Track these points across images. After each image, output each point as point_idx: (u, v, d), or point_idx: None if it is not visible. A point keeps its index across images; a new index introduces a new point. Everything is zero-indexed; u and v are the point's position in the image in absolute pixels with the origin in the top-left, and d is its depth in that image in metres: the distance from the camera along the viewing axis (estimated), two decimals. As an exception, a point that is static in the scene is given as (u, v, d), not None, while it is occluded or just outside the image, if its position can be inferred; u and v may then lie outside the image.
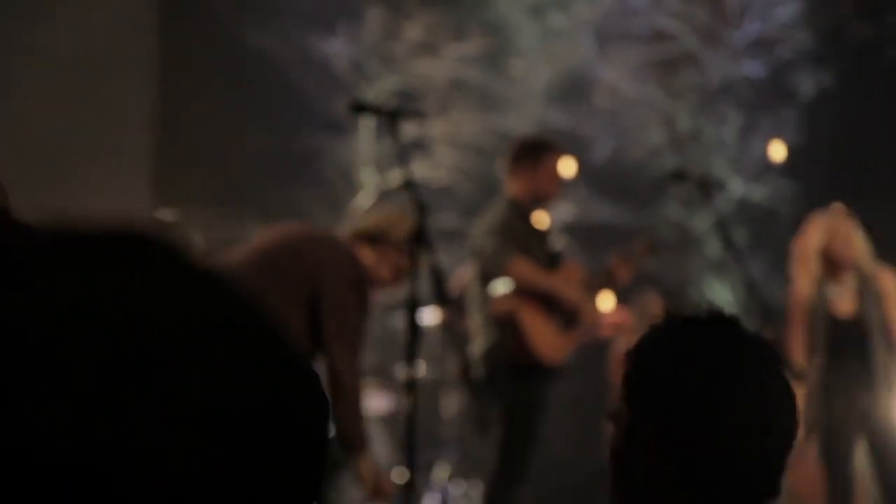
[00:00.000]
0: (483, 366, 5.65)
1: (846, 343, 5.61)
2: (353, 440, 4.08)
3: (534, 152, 5.83)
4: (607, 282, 5.98)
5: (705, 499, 1.68)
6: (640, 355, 1.74)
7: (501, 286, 5.62)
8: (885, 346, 5.69)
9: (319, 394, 0.88)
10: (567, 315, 5.71)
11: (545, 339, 5.61)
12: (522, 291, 5.61)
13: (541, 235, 5.82)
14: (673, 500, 1.68)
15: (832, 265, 5.69)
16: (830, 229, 5.75)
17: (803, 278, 5.76)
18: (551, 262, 5.81)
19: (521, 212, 5.78)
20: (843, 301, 5.70)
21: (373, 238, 4.32)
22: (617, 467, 1.74)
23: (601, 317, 5.98)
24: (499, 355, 5.61)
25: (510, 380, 5.59)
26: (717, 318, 1.73)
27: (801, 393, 5.63)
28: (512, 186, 5.84)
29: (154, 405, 0.80)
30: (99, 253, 0.85)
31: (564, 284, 5.69)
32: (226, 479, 0.81)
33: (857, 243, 5.72)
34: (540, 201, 5.84)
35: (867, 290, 5.73)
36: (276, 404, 0.85)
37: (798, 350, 5.72)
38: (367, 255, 4.33)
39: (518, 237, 5.67)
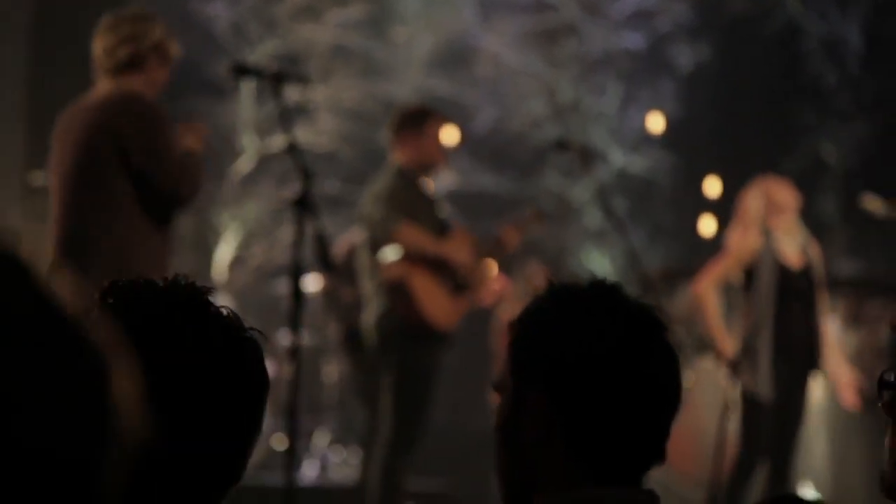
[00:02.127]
0: (375, 333, 5.64)
1: (796, 291, 5.89)
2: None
3: (417, 120, 5.82)
4: (495, 249, 6.01)
5: (593, 466, 1.69)
6: (524, 325, 1.73)
7: (391, 253, 5.61)
8: (824, 295, 6.08)
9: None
10: (457, 280, 5.73)
11: (437, 303, 5.62)
12: (412, 257, 5.62)
13: (429, 202, 5.83)
14: (561, 469, 1.69)
15: (776, 211, 5.97)
16: (768, 183, 6.08)
17: (748, 233, 5.98)
18: (440, 228, 5.82)
19: (408, 179, 5.77)
20: (791, 251, 5.97)
21: (132, 64, 4.27)
22: (504, 438, 1.73)
23: (490, 281, 6.02)
24: (391, 322, 5.60)
25: (403, 346, 5.59)
26: (599, 287, 1.73)
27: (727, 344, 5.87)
28: (398, 155, 5.83)
29: None
30: None
31: (454, 249, 5.72)
32: None
33: (792, 190, 6.06)
34: (426, 169, 5.84)
35: (810, 245, 6.09)
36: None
37: (710, 294, 5.92)
38: (135, 84, 4.27)
39: (406, 204, 5.67)
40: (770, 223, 6.01)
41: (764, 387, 5.82)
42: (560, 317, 1.71)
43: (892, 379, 1.58)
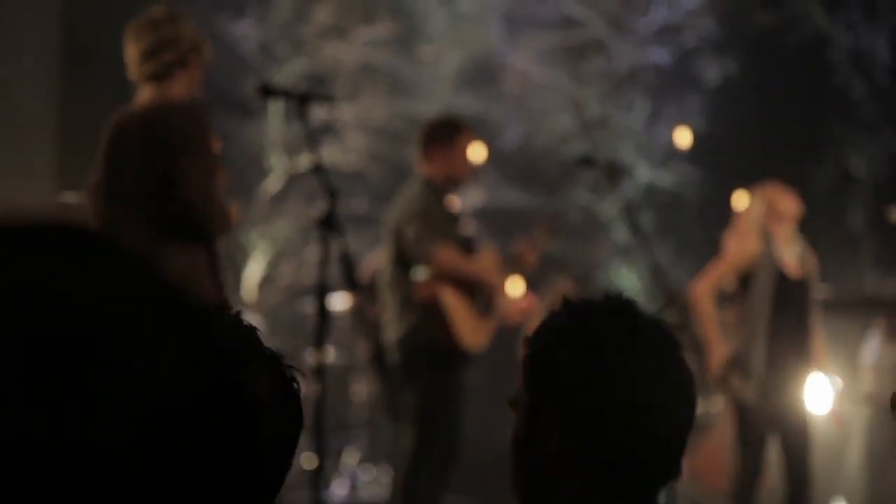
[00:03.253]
0: (399, 351, 5.60)
1: (792, 299, 5.87)
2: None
3: (447, 133, 5.73)
4: (514, 267, 5.98)
5: (608, 481, 1.69)
6: (539, 340, 1.74)
7: (422, 271, 5.58)
8: (818, 306, 6.06)
9: (245, 397, 0.93)
10: (486, 300, 5.70)
11: (467, 324, 5.57)
12: (444, 276, 5.61)
13: (454, 219, 5.77)
14: (576, 483, 1.70)
15: (776, 219, 5.96)
16: (771, 190, 6.05)
17: (748, 238, 5.97)
18: (465, 245, 5.77)
19: (436, 194, 5.70)
20: (790, 260, 5.96)
21: (176, 67, 4.22)
22: (519, 453, 1.74)
23: (518, 298, 5.99)
24: (418, 340, 5.56)
25: (429, 365, 5.55)
26: (614, 302, 1.74)
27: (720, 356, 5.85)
28: (426, 169, 5.74)
29: (94, 403, 0.83)
30: (32, 245, 0.87)
31: (486, 270, 5.67)
32: (161, 473, 0.87)
33: (794, 199, 6.03)
34: (455, 183, 5.75)
35: (808, 257, 6.07)
36: (205, 406, 0.92)
37: (706, 299, 5.90)
38: (178, 87, 4.22)
39: (437, 221, 5.64)
40: (770, 230, 5.99)
41: (756, 393, 5.80)
42: (574, 332, 1.72)
43: None
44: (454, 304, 5.56)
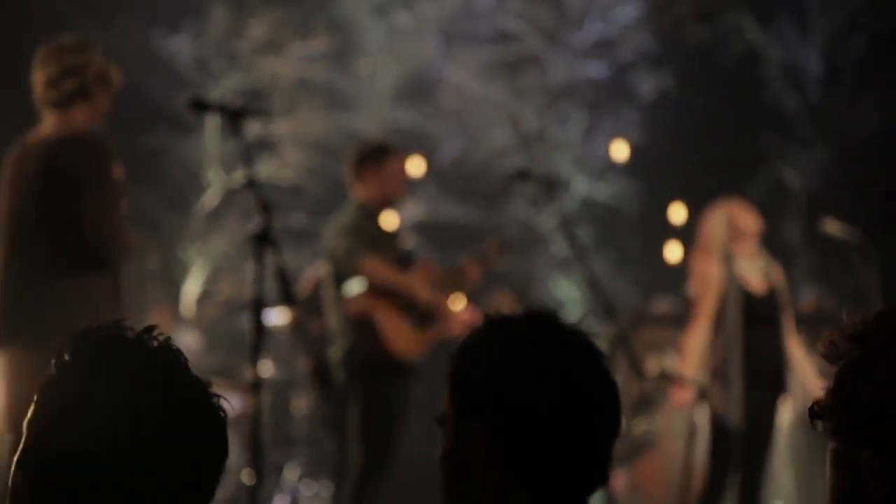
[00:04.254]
0: (342, 368, 5.67)
1: (760, 315, 5.90)
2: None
3: (377, 155, 5.88)
4: (458, 282, 6.06)
5: (535, 491, 1.71)
6: (460, 357, 1.76)
7: (355, 286, 5.64)
8: (791, 317, 6.09)
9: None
10: (421, 312, 5.77)
11: (401, 337, 5.66)
12: (376, 291, 5.65)
13: (390, 236, 5.89)
14: (503, 495, 1.71)
15: (738, 237, 5.99)
16: (731, 207, 6.08)
17: (711, 260, 6.00)
18: (403, 261, 5.87)
19: (369, 214, 5.84)
20: (754, 276, 5.98)
21: (78, 96, 4.22)
22: (447, 468, 1.76)
23: (454, 314, 6.04)
24: (356, 357, 5.64)
25: (370, 380, 5.63)
26: (534, 316, 1.77)
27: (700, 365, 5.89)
28: (358, 190, 5.89)
29: None
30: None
31: (417, 283, 5.76)
32: None
33: (754, 215, 6.07)
34: (387, 202, 5.91)
35: (772, 269, 6.11)
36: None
37: (703, 332, 5.92)
38: (80, 116, 4.23)
39: (368, 239, 5.72)
40: (732, 248, 6.03)
41: (734, 412, 5.84)
42: (492, 347, 1.74)
43: (820, 409, 1.61)
44: (387, 317, 5.64)
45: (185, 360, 1.60)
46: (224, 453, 1.60)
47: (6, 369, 4.19)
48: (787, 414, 6.78)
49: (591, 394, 1.73)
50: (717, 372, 5.87)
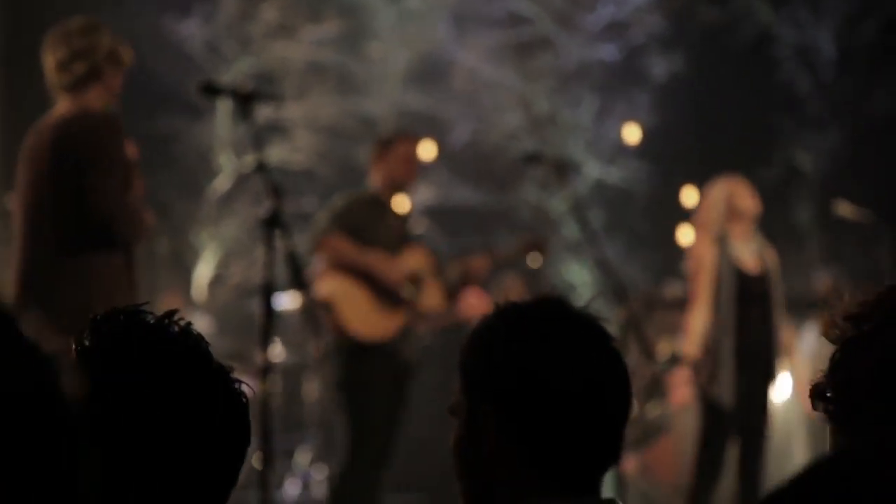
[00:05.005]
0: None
1: (754, 295, 5.89)
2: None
3: (386, 142, 6.00)
4: (461, 271, 6.06)
5: (548, 476, 1.73)
6: (471, 343, 1.79)
7: (314, 262, 5.74)
8: (781, 300, 6.08)
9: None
10: (396, 295, 5.77)
11: (362, 317, 5.66)
12: (338, 270, 5.67)
13: (394, 220, 5.88)
14: (517, 481, 1.73)
15: (735, 217, 5.98)
16: (731, 186, 6.05)
17: (706, 240, 6.00)
18: (401, 244, 5.89)
19: (377, 201, 5.88)
20: (748, 257, 5.97)
21: (89, 77, 4.25)
22: (461, 456, 1.78)
23: (434, 302, 6.03)
24: (331, 338, 5.69)
25: (343, 362, 5.67)
26: (544, 301, 1.79)
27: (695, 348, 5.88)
28: (372, 176, 6.00)
29: None
30: None
31: (382, 262, 5.74)
32: None
33: (753, 197, 6.05)
34: (397, 187, 5.96)
35: (766, 252, 6.10)
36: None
37: (703, 312, 5.91)
38: (92, 97, 4.25)
39: (360, 222, 5.73)
40: (728, 228, 6.02)
41: (725, 392, 5.84)
42: (502, 331, 1.77)
43: (819, 390, 1.61)
44: (348, 297, 5.64)
45: (207, 344, 1.59)
46: (247, 438, 1.59)
47: None
48: (779, 394, 6.76)
49: (600, 375, 1.75)
50: (710, 351, 5.88)
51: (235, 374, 1.60)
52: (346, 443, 5.66)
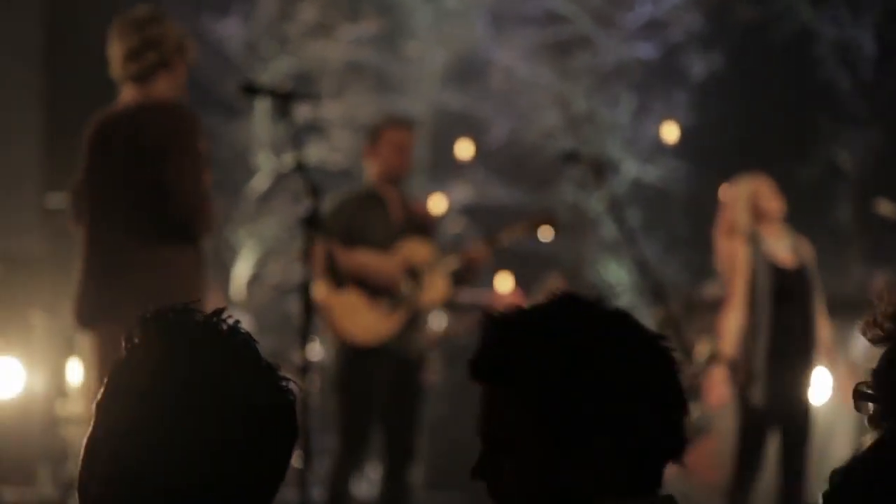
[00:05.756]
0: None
1: (791, 290, 5.85)
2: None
3: (374, 132, 5.83)
4: (457, 264, 5.90)
5: (604, 480, 1.66)
6: (488, 332, 1.70)
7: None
8: (820, 294, 6.01)
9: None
10: (393, 294, 5.66)
11: (358, 319, 5.60)
12: (339, 277, 5.61)
13: (387, 215, 5.71)
14: (543, 459, 1.65)
15: (761, 217, 5.93)
16: (753, 187, 5.99)
17: (736, 240, 5.94)
18: (392, 236, 5.71)
19: (370, 195, 5.75)
20: (782, 253, 5.93)
21: (160, 67, 4.19)
22: (486, 445, 1.69)
23: (440, 294, 5.89)
24: (328, 342, 5.69)
25: (339, 366, 5.65)
26: (560, 295, 1.72)
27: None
28: (368, 171, 5.87)
29: None
30: None
31: (377, 261, 5.64)
32: None
33: (778, 198, 6.00)
34: (390, 177, 5.76)
35: (801, 246, 6.04)
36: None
37: (737, 311, 5.87)
38: (161, 88, 4.20)
39: (349, 221, 5.62)
40: (757, 227, 5.97)
41: (762, 390, 5.80)
42: (519, 321, 1.70)
43: (869, 391, 1.58)
44: (343, 301, 5.58)
45: (255, 342, 1.59)
46: (295, 436, 1.59)
47: (94, 347, 4.11)
48: (819, 391, 6.70)
49: (648, 368, 1.68)
50: (747, 349, 5.83)
51: (282, 373, 1.60)
52: (338, 446, 5.67)
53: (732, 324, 5.90)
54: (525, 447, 1.66)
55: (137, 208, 4.09)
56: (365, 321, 5.59)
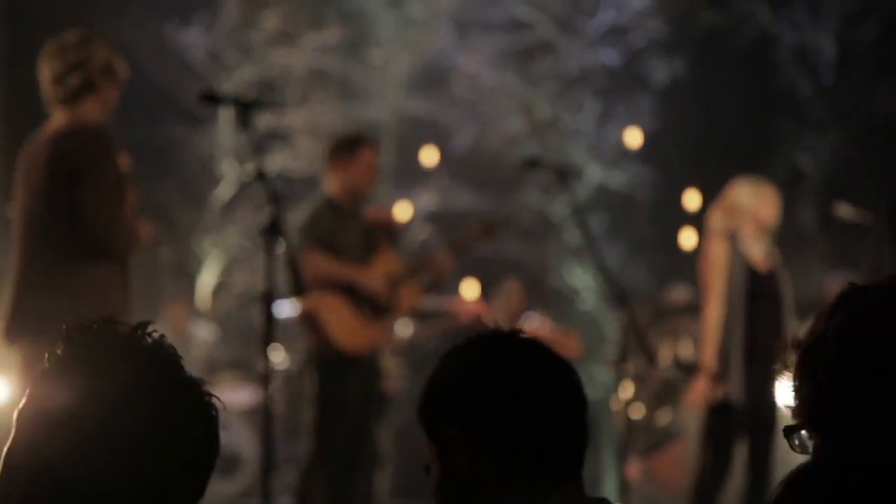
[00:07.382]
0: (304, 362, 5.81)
1: (764, 293, 5.89)
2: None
3: (349, 148, 5.89)
4: (427, 271, 6.04)
5: (524, 470, 1.91)
6: (431, 383, 2.01)
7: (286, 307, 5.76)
8: (791, 300, 6.09)
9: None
10: (377, 304, 5.76)
11: (346, 328, 5.67)
12: (321, 285, 5.67)
13: (357, 228, 5.84)
14: (493, 483, 1.91)
15: (757, 225, 5.98)
16: (761, 193, 6.06)
17: (722, 237, 5.99)
18: (368, 252, 5.84)
19: (336, 207, 5.83)
20: (759, 257, 5.97)
21: (84, 90, 4.28)
22: (444, 493, 1.95)
23: (412, 303, 6.03)
24: (308, 352, 5.74)
25: (318, 375, 5.67)
26: (493, 334, 2.01)
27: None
28: (329, 183, 5.92)
29: None
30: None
31: (364, 274, 5.73)
32: None
33: (777, 210, 6.07)
34: (356, 194, 5.90)
35: (774, 250, 6.13)
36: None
37: (715, 310, 5.91)
38: (88, 110, 4.30)
39: (328, 232, 5.71)
40: (740, 226, 6.01)
41: (735, 390, 5.83)
42: (455, 363, 2.00)
43: (793, 423, 1.62)
44: (331, 311, 5.64)
45: (179, 357, 1.60)
46: (215, 452, 1.60)
47: (19, 363, 4.25)
48: (785, 393, 6.74)
49: (540, 382, 1.95)
50: (721, 349, 5.87)
51: (208, 388, 1.60)
52: (308, 453, 5.68)
53: (712, 329, 5.94)
54: (454, 460, 1.94)
55: (59, 227, 4.24)
56: (355, 330, 5.68)
